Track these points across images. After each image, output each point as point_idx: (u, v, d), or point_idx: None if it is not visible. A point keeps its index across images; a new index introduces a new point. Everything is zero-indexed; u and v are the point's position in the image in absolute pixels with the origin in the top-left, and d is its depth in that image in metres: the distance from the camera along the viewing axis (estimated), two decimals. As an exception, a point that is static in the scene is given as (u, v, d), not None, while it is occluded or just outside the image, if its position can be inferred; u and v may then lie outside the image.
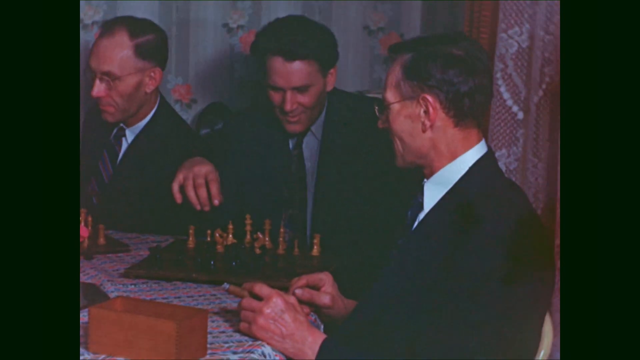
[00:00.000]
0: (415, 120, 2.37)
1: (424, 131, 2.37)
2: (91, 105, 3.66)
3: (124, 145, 3.48)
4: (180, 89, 4.14)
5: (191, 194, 3.07)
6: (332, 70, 3.27)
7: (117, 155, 3.49)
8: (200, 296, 2.63)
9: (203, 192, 3.06)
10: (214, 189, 3.06)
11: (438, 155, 2.38)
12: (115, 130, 3.49)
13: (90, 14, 4.05)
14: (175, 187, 3.07)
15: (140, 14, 3.95)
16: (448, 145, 2.37)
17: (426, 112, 2.35)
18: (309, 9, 4.17)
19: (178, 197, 3.08)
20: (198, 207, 3.08)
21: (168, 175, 3.30)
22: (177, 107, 4.09)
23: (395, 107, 2.39)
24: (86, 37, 4.04)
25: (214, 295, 2.63)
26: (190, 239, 2.98)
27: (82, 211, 3.08)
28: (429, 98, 2.33)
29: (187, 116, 4.14)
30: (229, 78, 4.18)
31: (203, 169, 3.08)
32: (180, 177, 3.08)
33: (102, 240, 3.05)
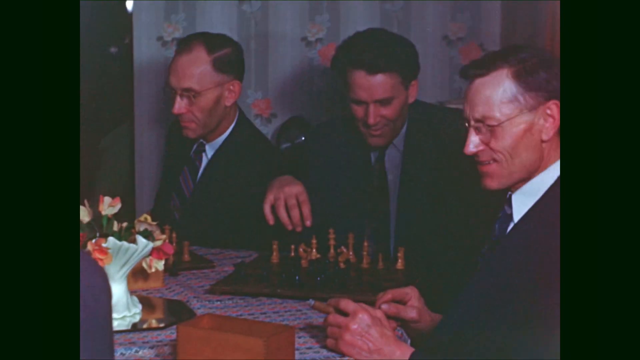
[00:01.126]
0: (535, 132, 2.35)
1: (543, 142, 2.34)
2: (172, 122, 3.69)
3: (204, 161, 3.50)
4: (260, 103, 4.16)
5: (283, 215, 3.07)
6: (413, 82, 3.24)
7: (198, 171, 3.50)
8: (286, 312, 2.62)
9: (296, 214, 3.06)
10: (306, 210, 3.05)
11: (541, 166, 2.36)
12: (195, 146, 3.51)
13: (170, 30, 4.09)
14: (267, 208, 3.07)
15: (219, 29, 3.99)
16: (549, 154, 2.35)
17: (545, 121, 2.33)
18: (387, 20, 4.16)
19: (270, 218, 3.07)
20: (290, 228, 3.07)
21: (248, 190, 3.31)
22: (257, 122, 4.11)
23: (513, 121, 2.35)
24: (166, 53, 4.09)
25: (300, 310, 2.62)
26: (274, 254, 2.98)
27: (166, 228, 3.10)
28: (554, 106, 2.31)
29: (267, 130, 4.15)
30: (308, 91, 4.18)
31: (294, 189, 3.07)
32: (271, 197, 3.07)
33: (186, 257, 3.06)
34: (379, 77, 3.16)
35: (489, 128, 2.37)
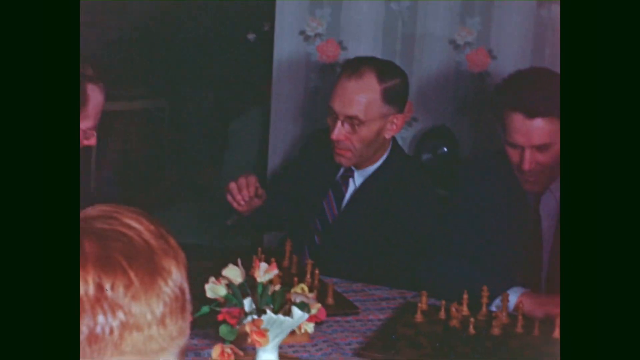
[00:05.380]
0: None
1: None
2: (312, 132, 3.57)
3: (351, 187, 3.35)
4: (401, 106, 3.99)
5: None
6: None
7: (343, 196, 3.37)
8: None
9: None
10: None
11: None
12: (342, 170, 3.36)
13: (313, 25, 3.94)
14: None
15: (365, 28, 3.89)
16: None
17: None
18: (541, 26, 3.94)
19: None
20: None
21: (398, 223, 3.19)
22: (396, 125, 3.95)
23: None
24: (307, 49, 3.95)
25: (455, 390, 2.52)
26: (421, 306, 2.85)
27: (309, 263, 3.02)
28: None
29: (407, 134, 4.00)
30: (454, 98, 4.00)
31: None
32: None
33: (330, 300, 2.94)
34: (538, 122, 2.97)
35: None
